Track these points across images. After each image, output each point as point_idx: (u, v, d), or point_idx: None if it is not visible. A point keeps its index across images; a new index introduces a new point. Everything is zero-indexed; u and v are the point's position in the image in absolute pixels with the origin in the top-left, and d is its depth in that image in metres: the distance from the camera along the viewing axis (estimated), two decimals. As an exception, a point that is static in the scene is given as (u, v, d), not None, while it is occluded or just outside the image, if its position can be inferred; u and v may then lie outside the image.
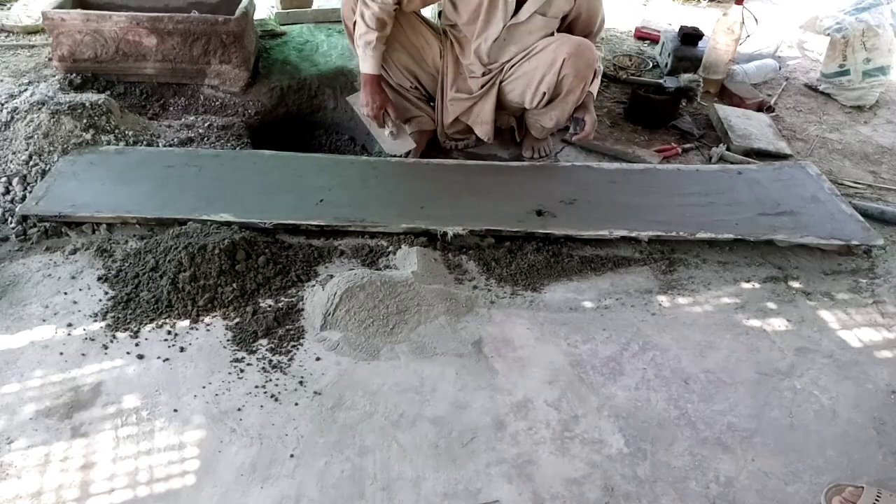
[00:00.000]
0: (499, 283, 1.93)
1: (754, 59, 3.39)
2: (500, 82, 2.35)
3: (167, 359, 1.63)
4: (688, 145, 2.69)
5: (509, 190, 2.22)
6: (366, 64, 2.23)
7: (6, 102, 2.51)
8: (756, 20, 3.07)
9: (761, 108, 2.98)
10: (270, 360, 1.65)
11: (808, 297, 1.95)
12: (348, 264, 1.97)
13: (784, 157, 2.63)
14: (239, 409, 1.52)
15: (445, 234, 2.02)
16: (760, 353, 1.76)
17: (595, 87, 2.35)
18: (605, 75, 3.06)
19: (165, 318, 1.74)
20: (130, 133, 2.42)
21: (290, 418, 1.51)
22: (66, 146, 2.27)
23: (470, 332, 1.76)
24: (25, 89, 2.64)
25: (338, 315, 1.74)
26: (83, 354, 1.63)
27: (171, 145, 2.45)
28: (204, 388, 1.57)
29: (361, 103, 2.31)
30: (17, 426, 1.46)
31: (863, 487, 1.36)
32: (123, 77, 2.74)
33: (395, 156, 2.39)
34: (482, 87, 2.39)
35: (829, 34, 3.10)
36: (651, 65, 3.37)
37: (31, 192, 2.12)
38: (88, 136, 2.32)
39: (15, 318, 1.72)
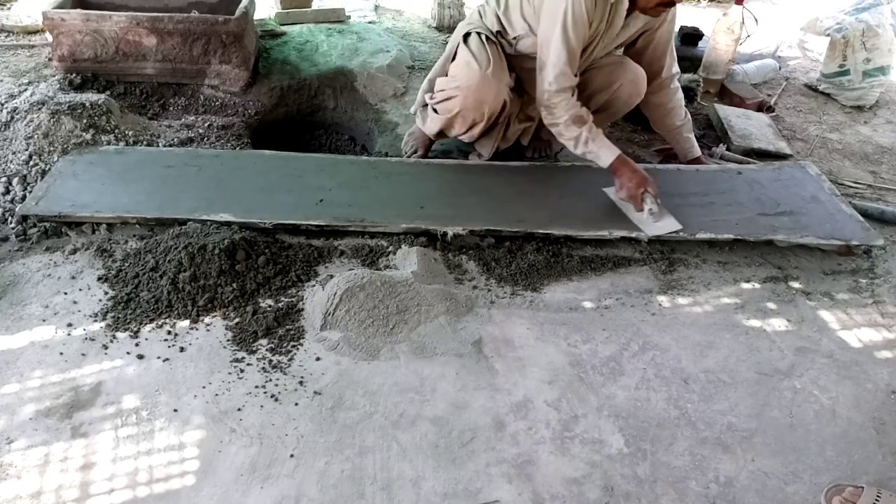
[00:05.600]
0: (499, 283, 1.93)
1: (754, 59, 3.39)
2: None
3: (167, 359, 1.63)
4: (688, 145, 2.69)
5: (509, 190, 2.22)
6: (603, 155, 2.07)
7: (6, 102, 2.50)
8: (756, 20, 3.07)
9: (761, 108, 2.98)
10: (270, 360, 1.65)
11: (808, 297, 1.95)
12: (348, 264, 1.97)
13: (784, 157, 2.63)
14: (239, 409, 1.52)
15: (445, 234, 2.02)
16: (760, 352, 1.76)
17: None
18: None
19: (165, 318, 1.74)
20: (130, 133, 2.42)
21: (290, 418, 1.51)
22: (66, 146, 2.27)
23: (470, 332, 1.76)
24: (25, 89, 2.64)
25: (338, 315, 1.74)
26: (83, 354, 1.63)
27: (171, 145, 2.45)
28: (204, 388, 1.57)
29: (617, 188, 2.12)
30: (17, 426, 1.46)
31: (863, 487, 1.36)
32: (123, 77, 2.74)
33: (658, 236, 2.07)
34: None
35: (829, 34, 3.10)
36: (651, 65, 3.36)
37: (31, 192, 2.12)
38: (88, 136, 2.32)
39: (15, 318, 1.72)
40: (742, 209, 2.18)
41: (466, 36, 2.20)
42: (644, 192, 2.05)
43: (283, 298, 1.83)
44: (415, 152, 2.46)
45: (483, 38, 2.16)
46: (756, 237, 2.06)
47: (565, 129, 2.07)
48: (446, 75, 2.26)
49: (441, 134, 2.34)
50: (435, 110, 2.26)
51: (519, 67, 2.25)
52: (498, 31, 2.19)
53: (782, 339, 1.81)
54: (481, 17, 2.26)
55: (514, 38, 2.18)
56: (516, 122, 2.37)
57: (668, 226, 2.07)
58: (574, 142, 2.09)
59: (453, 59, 2.23)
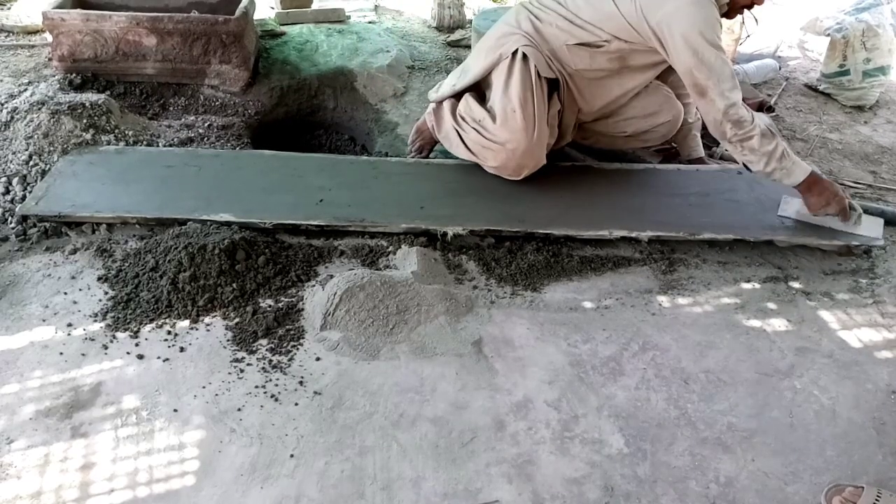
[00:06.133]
0: (499, 283, 1.93)
1: (754, 58, 3.39)
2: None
3: (167, 359, 1.63)
4: (688, 145, 2.69)
5: (509, 190, 2.21)
6: (798, 170, 1.92)
7: (6, 102, 2.51)
8: (756, 20, 3.05)
9: (761, 107, 2.97)
10: (270, 360, 1.65)
11: (808, 298, 1.95)
12: (348, 264, 1.97)
13: (784, 157, 2.63)
14: (239, 410, 1.52)
15: (445, 234, 2.02)
16: (760, 353, 1.76)
17: None
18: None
19: (165, 318, 1.73)
20: (130, 133, 2.42)
21: (290, 418, 1.51)
22: (66, 146, 2.27)
23: (470, 332, 1.76)
24: (25, 89, 2.64)
25: (338, 315, 1.74)
26: (83, 354, 1.63)
27: (171, 145, 2.45)
28: (204, 388, 1.57)
29: (818, 205, 1.99)
30: (17, 426, 1.46)
31: (863, 487, 1.36)
32: (123, 77, 2.74)
33: (872, 244, 2.04)
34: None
35: (829, 34, 3.10)
36: (651, 65, 3.36)
37: (30, 192, 2.12)
38: (88, 136, 2.32)
39: (15, 318, 1.72)
40: (742, 209, 2.17)
41: (514, 54, 2.04)
42: (849, 201, 1.98)
43: (282, 298, 1.83)
44: (419, 152, 2.45)
45: (532, 67, 2.03)
46: (756, 237, 2.06)
47: (759, 142, 1.87)
48: (478, 90, 2.20)
49: None
50: (461, 138, 2.20)
51: (586, 79, 2.13)
52: (580, 44, 2.04)
53: (782, 340, 1.80)
54: (535, 26, 2.08)
55: (605, 40, 2.02)
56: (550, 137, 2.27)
57: (877, 225, 2.06)
58: (768, 157, 1.88)
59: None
